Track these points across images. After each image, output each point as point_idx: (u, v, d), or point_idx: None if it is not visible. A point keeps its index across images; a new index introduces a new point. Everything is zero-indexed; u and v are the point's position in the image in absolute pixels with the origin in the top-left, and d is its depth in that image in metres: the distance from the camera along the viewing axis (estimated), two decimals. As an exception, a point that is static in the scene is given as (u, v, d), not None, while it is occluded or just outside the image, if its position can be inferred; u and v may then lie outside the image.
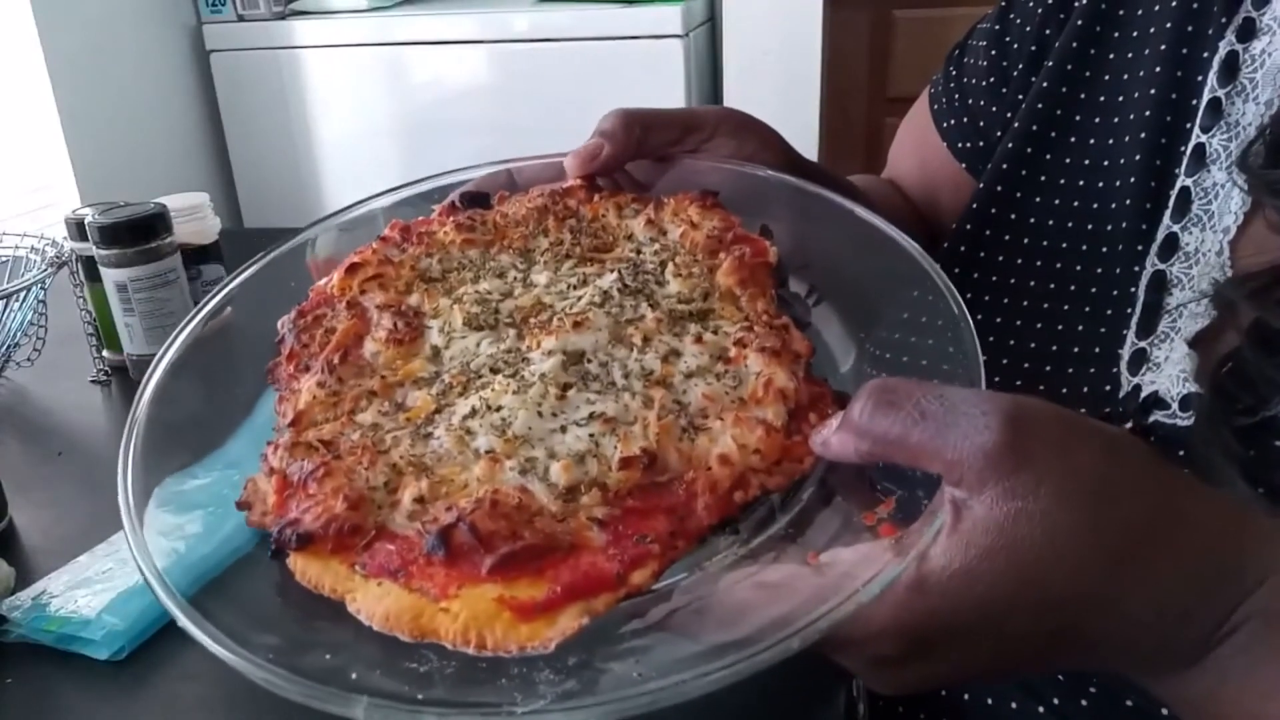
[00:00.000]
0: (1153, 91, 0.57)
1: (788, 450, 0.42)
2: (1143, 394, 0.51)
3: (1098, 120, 0.60)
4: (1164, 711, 0.46)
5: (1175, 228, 0.53)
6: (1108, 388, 0.53)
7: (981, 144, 0.71)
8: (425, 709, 0.33)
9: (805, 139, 2.03)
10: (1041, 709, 0.52)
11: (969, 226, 0.63)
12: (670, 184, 0.60)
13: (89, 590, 0.55)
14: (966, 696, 0.56)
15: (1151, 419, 0.50)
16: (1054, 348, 0.56)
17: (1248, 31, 0.53)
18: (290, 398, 0.48)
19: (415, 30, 2.08)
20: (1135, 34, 0.59)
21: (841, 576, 0.34)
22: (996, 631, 0.34)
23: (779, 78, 2.03)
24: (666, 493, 0.40)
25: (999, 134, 0.68)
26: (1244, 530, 0.35)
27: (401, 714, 0.33)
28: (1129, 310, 0.54)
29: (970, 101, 0.72)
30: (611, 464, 0.41)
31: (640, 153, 0.60)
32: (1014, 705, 0.53)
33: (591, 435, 0.42)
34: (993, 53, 0.70)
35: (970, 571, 0.32)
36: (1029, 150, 0.62)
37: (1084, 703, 0.50)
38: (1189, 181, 0.53)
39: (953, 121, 0.73)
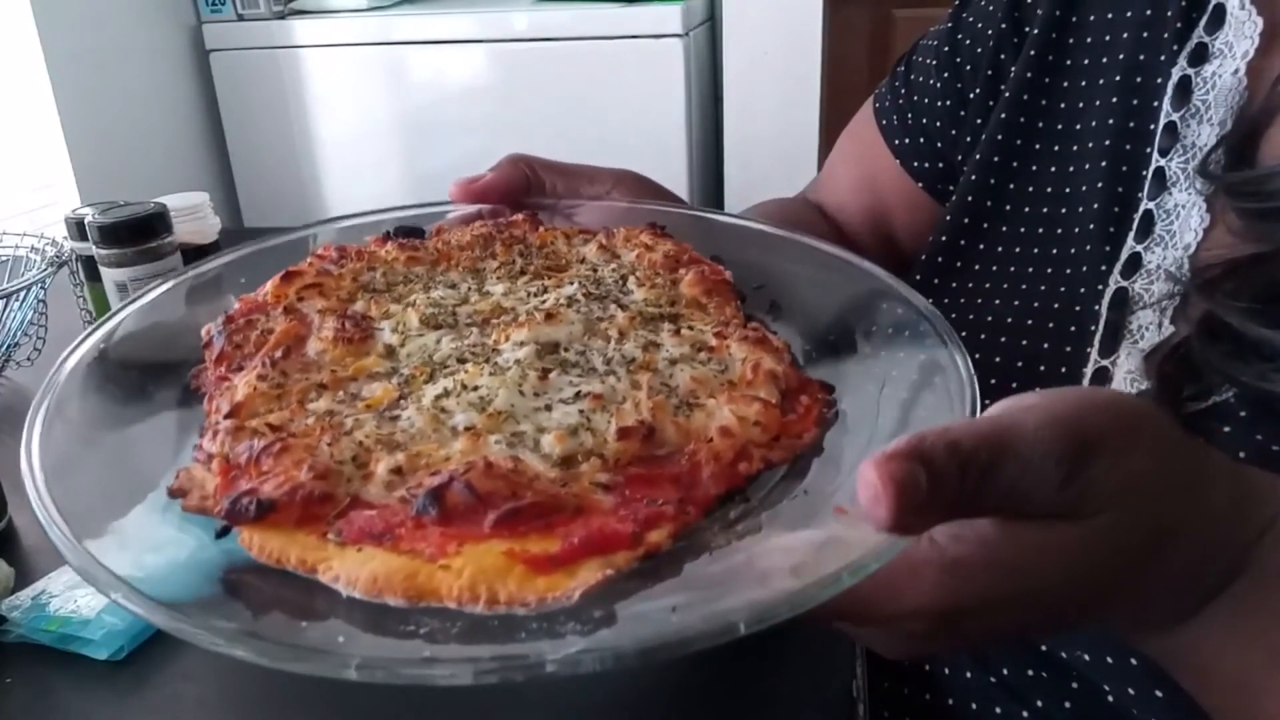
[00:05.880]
0: (1111, 120, 0.58)
1: (785, 427, 0.41)
2: None
3: (1057, 148, 0.61)
4: (1134, 711, 0.47)
5: (1139, 248, 0.54)
6: None
7: (941, 164, 0.71)
8: (437, 663, 0.29)
9: (805, 139, 2.03)
10: (1026, 713, 0.52)
11: (940, 258, 0.64)
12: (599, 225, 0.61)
13: (89, 590, 0.55)
14: (951, 701, 0.56)
15: None
16: (1019, 364, 0.57)
17: (1199, 56, 0.55)
18: (222, 394, 0.43)
19: (415, 30, 2.08)
20: (1088, 62, 0.61)
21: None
22: (1027, 614, 0.34)
23: (779, 78, 2.02)
24: (669, 463, 0.39)
25: (959, 157, 0.68)
26: (1243, 495, 0.36)
27: (408, 668, 0.29)
28: (1092, 328, 0.55)
29: (925, 121, 0.72)
30: (607, 437, 0.39)
31: (531, 189, 0.62)
32: (998, 710, 0.54)
33: (581, 411, 0.40)
34: (945, 74, 0.70)
35: (1017, 568, 0.32)
36: (992, 180, 0.63)
37: (1067, 704, 0.51)
38: (1151, 205, 0.54)
39: (906, 140, 0.73)
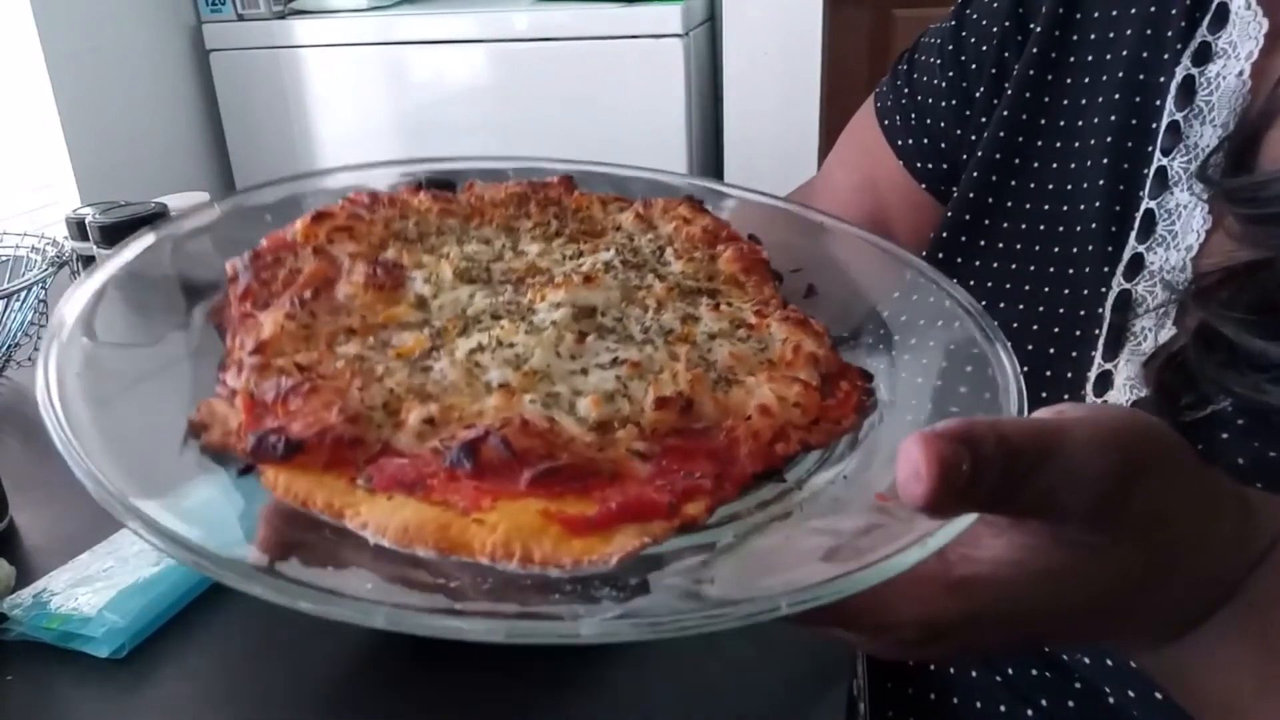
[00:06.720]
0: (1113, 117, 0.58)
1: (825, 411, 0.40)
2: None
3: (1059, 145, 0.61)
4: (1135, 713, 0.47)
5: (1140, 248, 0.54)
6: None
7: (944, 165, 0.70)
8: (471, 617, 0.28)
9: (805, 139, 2.03)
10: (1030, 711, 0.52)
11: (940, 254, 0.64)
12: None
13: (90, 588, 0.55)
14: (956, 700, 0.56)
15: None
16: (1023, 367, 0.57)
17: (1202, 56, 0.54)
18: (247, 331, 0.42)
19: (415, 30, 2.08)
20: (1091, 59, 0.61)
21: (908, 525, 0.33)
22: (1018, 633, 0.35)
23: (779, 78, 2.02)
24: (707, 438, 0.38)
25: (964, 157, 0.68)
26: (1246, 530, 0.36)
27: (438, 619, 0.27)
28: (1096, 331, 0.54)
29: (929, 121, 0.71)
30: (644, 405, 0.38)
31: None
32: (1002, 709, 0.54)
33: (618, 378, 0.39)
34: (950, 73, 0.69)
35: (1022, 595, 0.32)
36: (994, 178, 0.63)
37: (1070, 704, 0.51)
38: (1153, 204, 0.54)
39: (910, 141, 0.72)
